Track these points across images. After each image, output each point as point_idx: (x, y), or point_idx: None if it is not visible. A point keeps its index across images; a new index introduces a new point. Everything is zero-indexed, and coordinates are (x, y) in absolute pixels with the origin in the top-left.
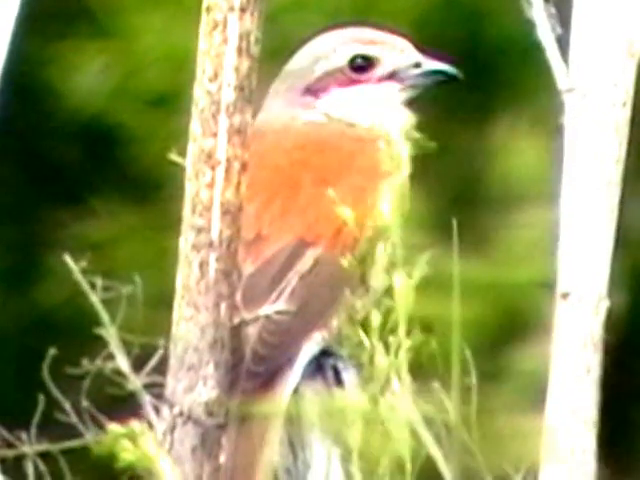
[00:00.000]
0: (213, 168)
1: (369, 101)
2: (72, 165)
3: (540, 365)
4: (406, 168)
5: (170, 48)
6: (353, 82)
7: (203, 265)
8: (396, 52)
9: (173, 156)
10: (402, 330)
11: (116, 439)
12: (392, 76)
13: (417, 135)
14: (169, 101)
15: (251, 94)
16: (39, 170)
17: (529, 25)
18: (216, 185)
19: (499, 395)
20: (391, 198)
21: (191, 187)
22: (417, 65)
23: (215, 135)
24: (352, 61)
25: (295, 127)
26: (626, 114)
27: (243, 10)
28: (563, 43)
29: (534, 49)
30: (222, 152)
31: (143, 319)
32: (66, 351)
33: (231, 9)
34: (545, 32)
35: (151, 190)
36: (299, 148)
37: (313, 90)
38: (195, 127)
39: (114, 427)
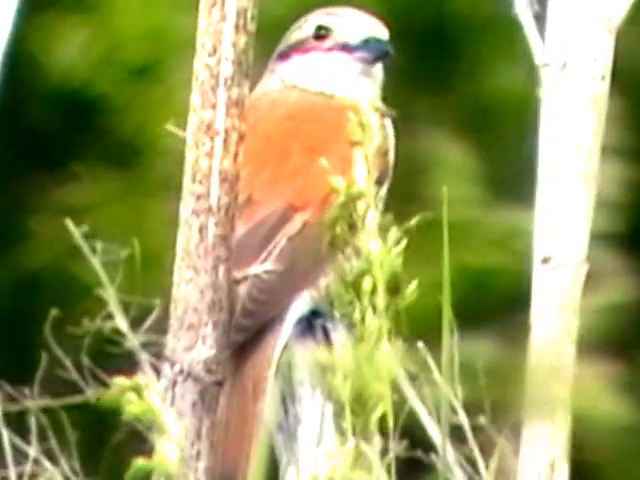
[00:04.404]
0: (212, 138)
1: (317, 68)
2: (55, 132)
3: None
4: (376, 137)
5: (151, 22)
6: (309, 50)
7: (202, 230)
8: (349, 26)
9: (170, 127)
10: (381, 291)
11: (122, 392)
12: (343, 48)
13: (380, 105)
14: (149, 72)
15: (248, 68)
16: (22, 137)
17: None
18: (215, 154)
19: None
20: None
21: (191, 156)
22: (366, 41)
23: (214, 107)
24: (316, 31)
25: (285, 99)
26: (605, 87)
27: None
28: (538, 20)
29: (503, 24)
30: (221, 123)
31: (126, 280)
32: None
33: None
34: (522, 7)
35: (131, 156)
36: (289, 118)
37: (282, 57)
38: (195, 99)
39: (119, 380)
